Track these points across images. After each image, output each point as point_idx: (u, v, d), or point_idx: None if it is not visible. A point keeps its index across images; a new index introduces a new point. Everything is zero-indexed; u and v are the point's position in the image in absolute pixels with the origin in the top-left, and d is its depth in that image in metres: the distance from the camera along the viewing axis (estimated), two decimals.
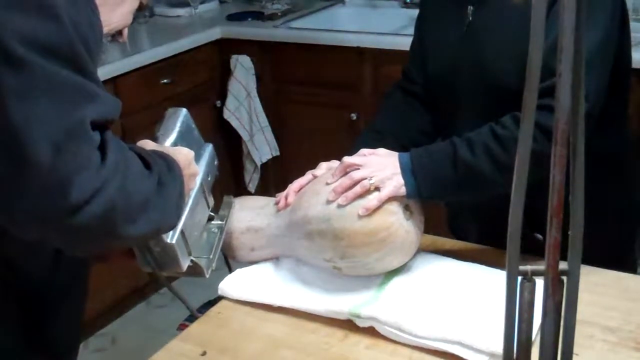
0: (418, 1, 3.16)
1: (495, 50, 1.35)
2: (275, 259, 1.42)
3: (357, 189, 1.25)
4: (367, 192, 1.25)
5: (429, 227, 1.38)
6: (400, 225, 1.26)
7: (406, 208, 1.29)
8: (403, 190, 1.26)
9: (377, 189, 1.25)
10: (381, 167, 1.27)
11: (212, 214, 1.33)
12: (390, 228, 1.25)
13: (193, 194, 1.21)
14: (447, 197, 1.39)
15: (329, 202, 1.27)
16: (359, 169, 1.28)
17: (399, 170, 1.27)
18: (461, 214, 1.60)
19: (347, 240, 1.25)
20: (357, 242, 1.25)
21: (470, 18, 1.38)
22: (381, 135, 1.50)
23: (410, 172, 1.27)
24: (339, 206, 1.25)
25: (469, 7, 1.39)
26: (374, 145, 1.36)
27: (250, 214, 1.41)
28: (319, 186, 1.32)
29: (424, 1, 1.56)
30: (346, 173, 1.28)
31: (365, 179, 1.25)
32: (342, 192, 1.26)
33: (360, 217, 1.24)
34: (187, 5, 3.40)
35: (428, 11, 1.54)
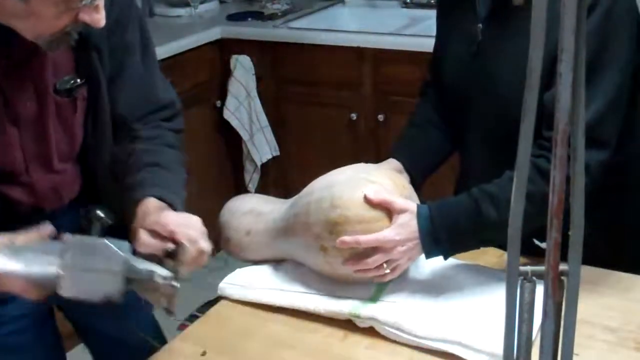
0: (418, 1, 3.19)
1: (504, 72, 1.33)
2: (275, 260, 1.42)
3: (371, 270, 1.26)
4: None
5: None
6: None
7: None
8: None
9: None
10: (398, 253, 1.25)
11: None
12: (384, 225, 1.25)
13: None
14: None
15: (333, 184, 1.29)
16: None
17: (417, 243, 1.25)
18: None
19: (341, 209, 1.24)
20: (351, 213, 1.24)
21: (480, 37, 1.37)
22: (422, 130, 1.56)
23: (432, 240, 1.25)
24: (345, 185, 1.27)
25: (478, 25, 1.37)
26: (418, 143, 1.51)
27: (249, 217, 1.42)
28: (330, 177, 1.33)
29: (439, 13, 1.54)
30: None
31: (381, 264, 1.25)
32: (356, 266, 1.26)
33: (363, 201, 1.24)
34: (187, 5, 3.40)
35: (443, 21, 1.53)
